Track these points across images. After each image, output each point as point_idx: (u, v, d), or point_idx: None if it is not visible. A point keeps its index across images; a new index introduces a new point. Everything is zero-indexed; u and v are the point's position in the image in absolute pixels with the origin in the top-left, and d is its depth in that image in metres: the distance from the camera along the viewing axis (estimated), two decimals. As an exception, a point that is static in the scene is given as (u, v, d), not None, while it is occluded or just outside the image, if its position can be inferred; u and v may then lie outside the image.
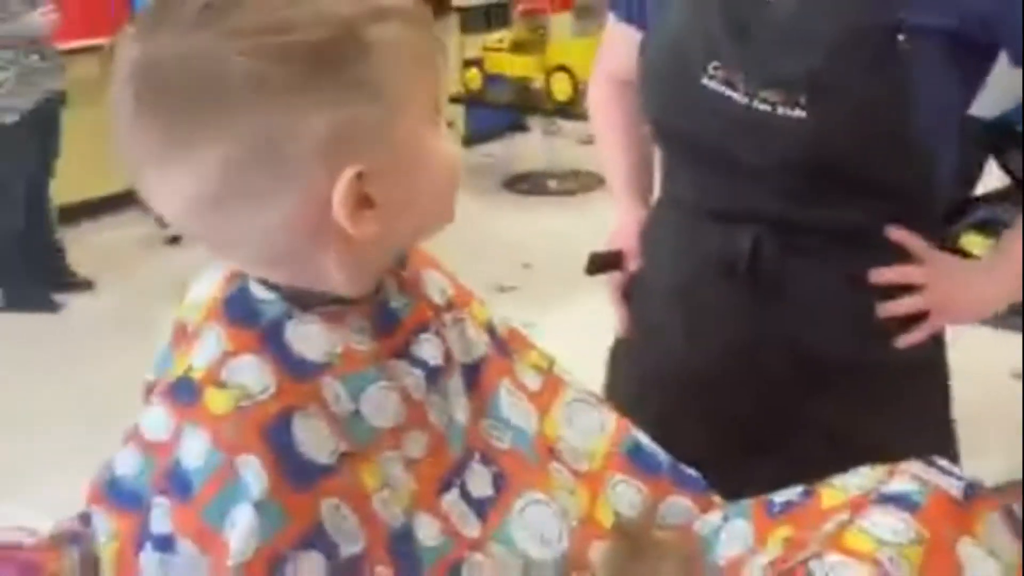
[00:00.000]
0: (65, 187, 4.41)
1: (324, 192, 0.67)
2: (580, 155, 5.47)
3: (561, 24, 5.49)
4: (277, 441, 0.66)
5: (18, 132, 3.82)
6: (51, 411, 3.17)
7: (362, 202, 0.69)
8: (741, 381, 1.14)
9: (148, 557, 0.67)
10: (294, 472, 0.66)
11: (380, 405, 0.73)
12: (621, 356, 1.32)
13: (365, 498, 0.69)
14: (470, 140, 6.14)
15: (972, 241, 1.40)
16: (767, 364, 1.13)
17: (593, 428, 0.86)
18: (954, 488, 0.71)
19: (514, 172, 5.94)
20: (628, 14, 1.24)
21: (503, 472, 0.79)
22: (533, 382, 0.86)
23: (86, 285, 4.31)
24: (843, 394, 1.12)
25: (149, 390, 0.73)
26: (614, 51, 1.32)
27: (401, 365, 0.76)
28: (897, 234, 1.09)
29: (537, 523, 0.77)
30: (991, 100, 1.10)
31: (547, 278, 4.15)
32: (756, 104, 1.05)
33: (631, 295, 1.29)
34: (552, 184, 5.69)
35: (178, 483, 0.66)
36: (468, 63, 5.37)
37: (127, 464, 0.70)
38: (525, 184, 5.78)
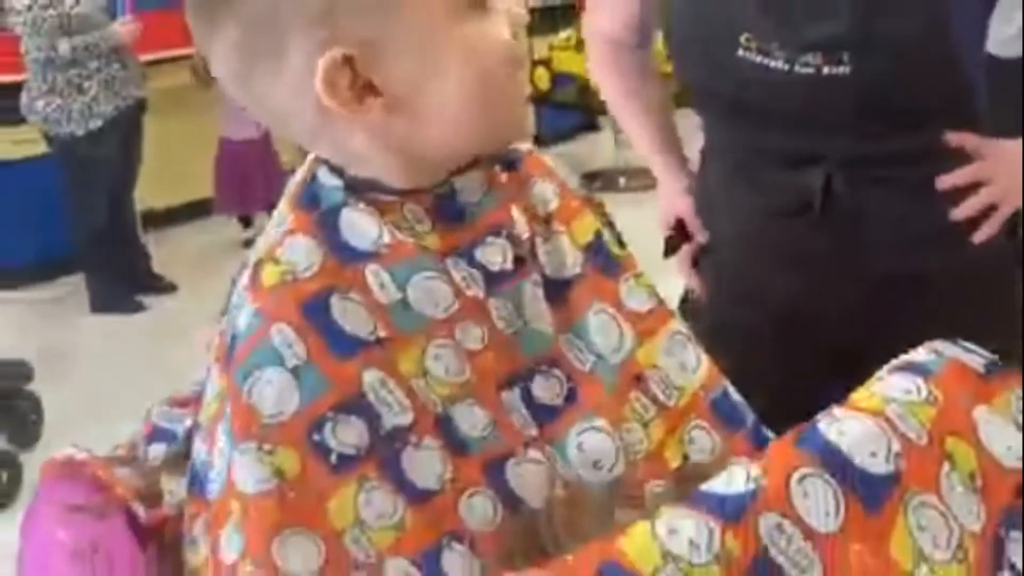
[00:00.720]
0: (150, 194, 4.57)
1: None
2: (650, 151, 5.43)
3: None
4: (313, 315, 0.68)
5: (103, 138, 3.97)
6: (137, 406, 3.27)
7: (364, 88, 0.69)
8: (819, 314, 1.17)
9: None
10: (333, 343, 0.68)
11: (428, 294, 0.73)
12: (689, 312, 1.33)
13: (406, 380, 0.70)
14: (541, 141, 6.17)
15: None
16: (843, 293, 1.16)
17: (689, 365, 0.83)
18: (976, 362, 0.68)
19: (585, 171, 5.95)
20: None
21: (576, 390, 0.77)
22: (642, 304, 0.83)
23: (170, 288, 4.46)
24: (916, 310, 1.14)
25: None
26: (600, 8, 1.32)
27: (457, 263, 0.75)
28: (953, 137, 1.12)
29: (593, 450, 0.75)
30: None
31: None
32: (798, 69, 1.07)
33: (698, 260, 1.32)
34: (622, 181, 5.67)
35: (230, 349, 0.69)
36: (536, 63, 5.41)
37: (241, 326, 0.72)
38: (596, 183, 5.76)
